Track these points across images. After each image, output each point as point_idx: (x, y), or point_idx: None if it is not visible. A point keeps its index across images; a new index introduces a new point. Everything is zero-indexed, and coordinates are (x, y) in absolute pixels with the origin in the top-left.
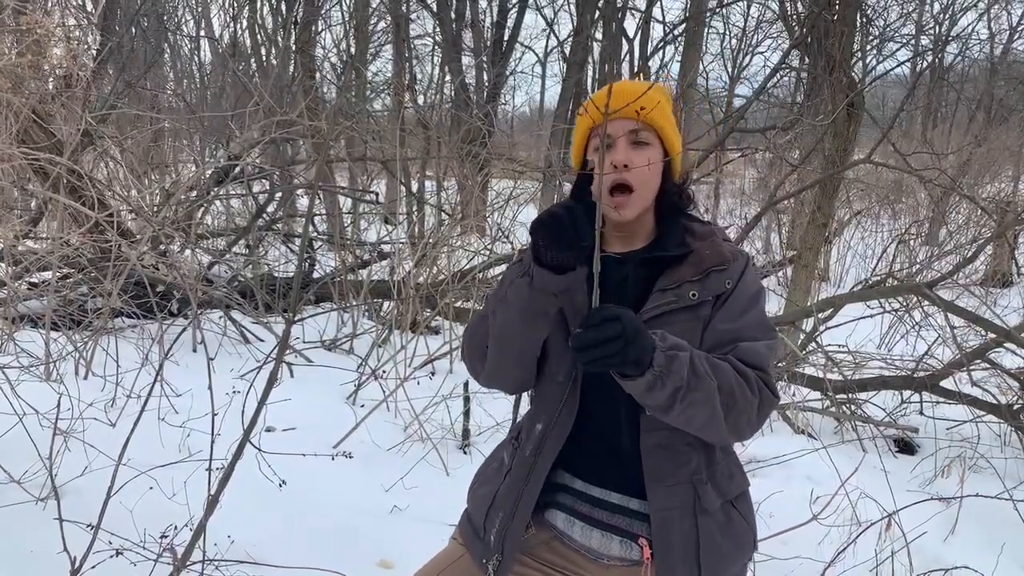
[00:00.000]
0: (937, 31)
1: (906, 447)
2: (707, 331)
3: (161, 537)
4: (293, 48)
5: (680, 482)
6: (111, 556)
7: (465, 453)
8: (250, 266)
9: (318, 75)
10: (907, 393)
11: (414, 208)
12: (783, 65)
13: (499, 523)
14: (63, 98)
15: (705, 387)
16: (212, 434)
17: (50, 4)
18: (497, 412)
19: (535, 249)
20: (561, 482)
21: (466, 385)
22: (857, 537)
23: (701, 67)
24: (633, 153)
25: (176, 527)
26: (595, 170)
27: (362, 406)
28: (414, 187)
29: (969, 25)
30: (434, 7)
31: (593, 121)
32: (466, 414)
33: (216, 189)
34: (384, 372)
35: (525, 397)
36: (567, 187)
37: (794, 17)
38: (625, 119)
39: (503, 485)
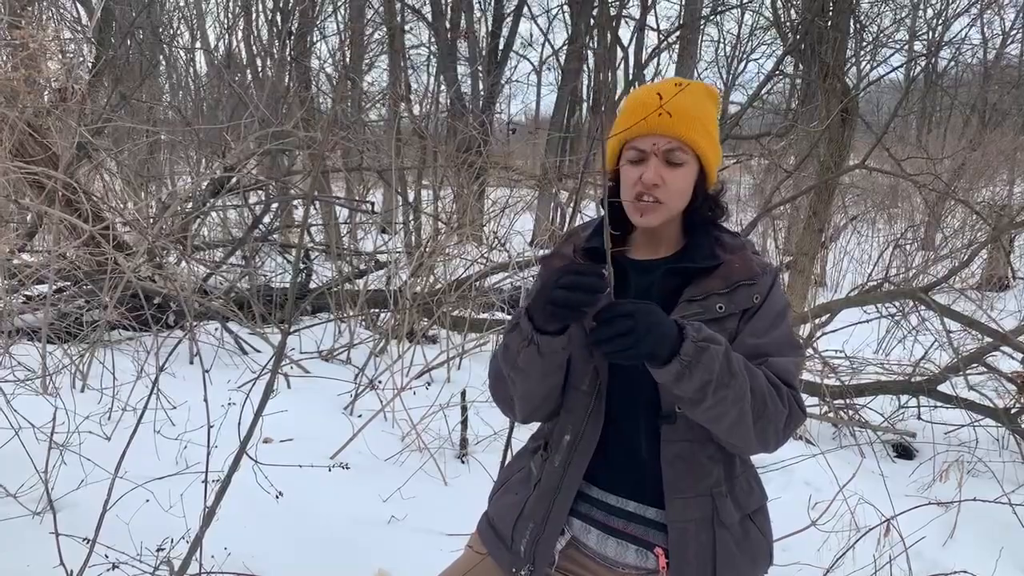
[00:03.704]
0: (930, 36)
1: (904, 452)
2: (733, 345)
3: (158, 550)
4: (288, 59)
5: (699, 494)
6: (108, 570)
7: (463, 463)
8: (246, 277)
9: (313, 86)
10: (904, 398)
11: (410, 217)
12: (777, 72)
13: (529, 533)
14: (58, 111)
15: (738, 385)
16: (208, 446)
17: (45, 17)
18: (495, 421)
19: (532, 315)
20: (579, 489)
21: (463, 394)
22: (856, 542)
23: (696, 74)
24: (665, 171)
25: (173, 540)
26: (623, 181)
27: (359, 416)
28: (410, 196)
29: (962, 30)
30: (429, 17)
31: (627, 135)
32: (464, 423)
33: (212, 200)
34: (381, 382)
35: None
36: (563, 195)
37: (787, 24)
38: (661, 136)
39: (532, 496)
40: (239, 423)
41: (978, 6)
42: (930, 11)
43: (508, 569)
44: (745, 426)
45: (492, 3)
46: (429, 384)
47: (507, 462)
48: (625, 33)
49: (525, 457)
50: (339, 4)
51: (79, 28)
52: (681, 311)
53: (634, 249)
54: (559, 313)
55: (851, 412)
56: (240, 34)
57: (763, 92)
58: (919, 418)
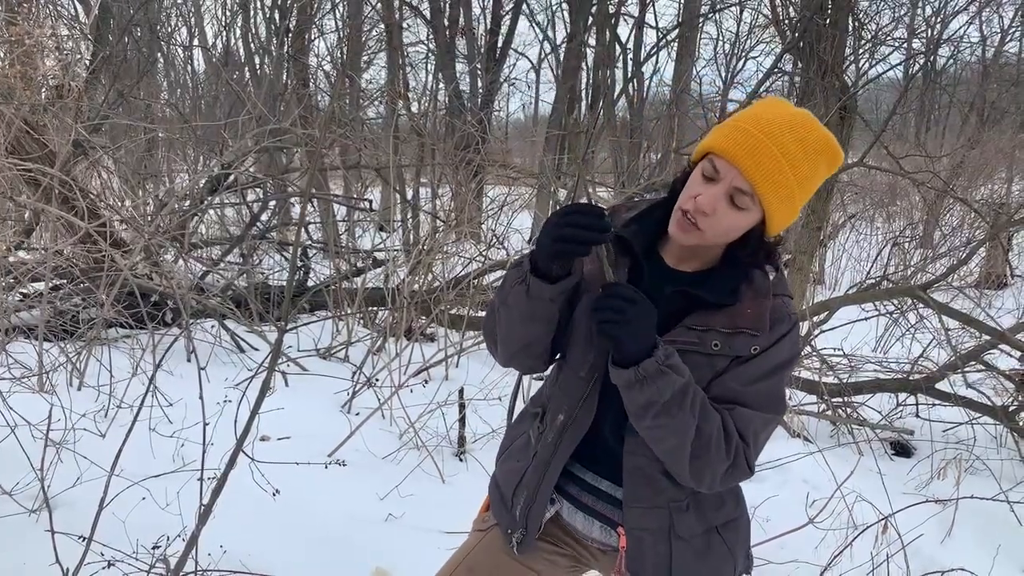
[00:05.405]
0: (929, 34)
1: (902, 450)
2: (715, 381)
3: (154, 548)
4: (286, 56)
5: (656, 506)
6: (103, 567)
7: (461, 460)
8: (244, 275)
9: (312, 83)
10: (902, 395)
11: (408, 215)
12: (776, 70)
13: (524, 501)
14: (55, 108)
15: (683, 419)
16: (204, 444)
17: (42, 14)
18: (493, 419)
19: (536, 256)
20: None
21: (461, 392)
22: (853, 540)
23: (694, 72)
24: (722, 204)
25: (169, 538)
26: (687, 186)
27: (357, 414)
28: (408, 194)
29: (960, 28)
30: (427, 14)
31: (715, 147)
32: (461, 421)
33: (209, 198)
34: (378, 380)
35: (522, 401)
36: (562, 193)
37: (786, 22)
38: (741, 174)
39: (531, 466)
40: (236, 421)
41: (977, 4)
42: (928, 9)
43: (506, 530)
44: (681, 458)
45: (491, 0)
46: (427, 382)
47: (512, 422)
48: (624, 31)
49: (526, 421)
50: (337, 1)
51: (76, 25)
52: (677, 335)
53: (664, 249)
54: (563, 249)
55: (849, 410)
56: (238, 31)
57: (762, 90)
58: (917, 416)
